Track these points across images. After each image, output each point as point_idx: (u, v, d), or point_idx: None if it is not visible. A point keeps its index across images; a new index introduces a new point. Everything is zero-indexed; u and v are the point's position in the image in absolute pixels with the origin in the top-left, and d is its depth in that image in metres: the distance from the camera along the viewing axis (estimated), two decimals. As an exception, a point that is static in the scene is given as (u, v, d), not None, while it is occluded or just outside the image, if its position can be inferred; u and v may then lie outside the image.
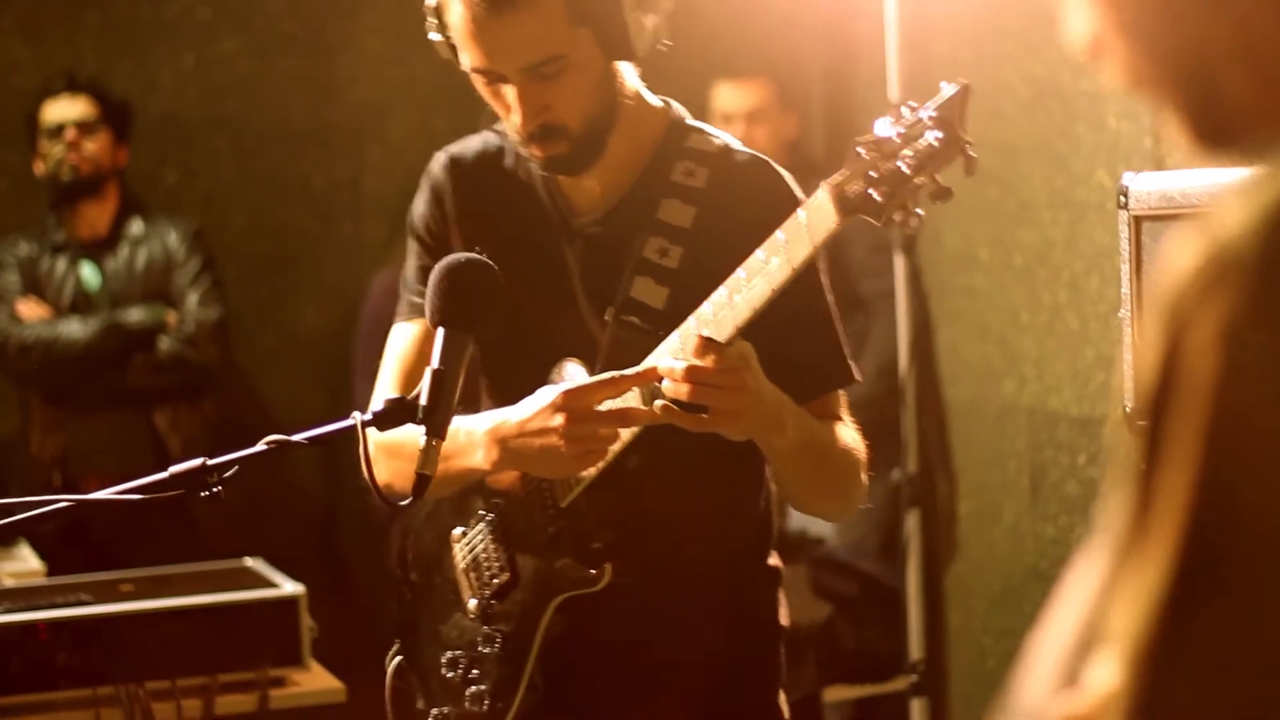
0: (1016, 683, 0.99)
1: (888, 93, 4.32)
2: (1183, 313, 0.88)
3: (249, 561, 3.82)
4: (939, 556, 4.71)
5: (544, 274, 2.36)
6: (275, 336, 5.43)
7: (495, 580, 2.43)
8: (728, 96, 4.92)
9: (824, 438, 2.31)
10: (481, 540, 2.45)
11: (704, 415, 2.13)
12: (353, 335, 5.13)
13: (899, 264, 4.47)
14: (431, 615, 2.51)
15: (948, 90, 2.02)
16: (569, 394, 2.19)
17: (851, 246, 4.80)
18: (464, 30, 2.25)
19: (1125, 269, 2.71)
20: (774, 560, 2.48)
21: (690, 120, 2.43)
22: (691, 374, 2.09)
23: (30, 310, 4.87)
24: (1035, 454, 4.33)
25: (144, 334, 4.84)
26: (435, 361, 2.09)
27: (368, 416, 2.09)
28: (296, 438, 2.10)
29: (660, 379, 2.14)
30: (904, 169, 2.01)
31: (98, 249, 4.94)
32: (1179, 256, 0.89)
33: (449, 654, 2.46)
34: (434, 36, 2.31)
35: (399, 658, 2.55)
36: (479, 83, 2.30)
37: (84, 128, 4.89)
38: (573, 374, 2.30)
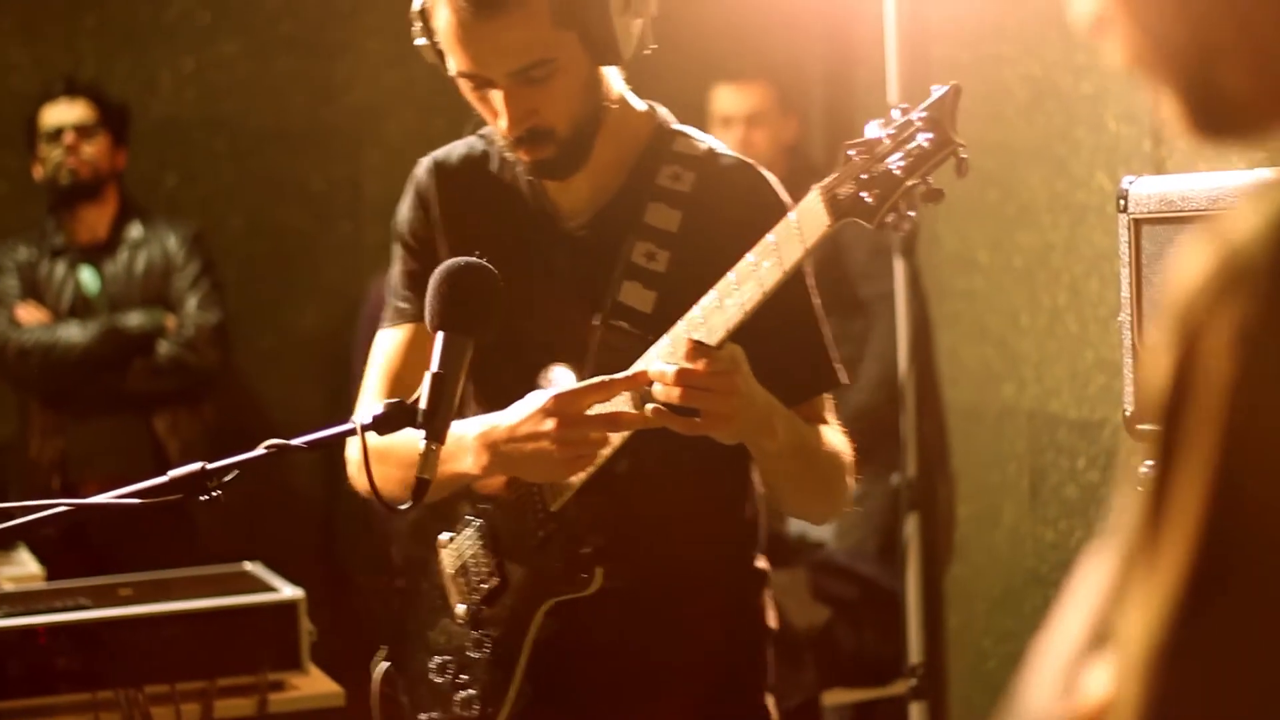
0: (1021, 686, 0.99)
1: (887, 96, 4.32)
2: (1195, 318, 0.88)
3: (248, 565, 3.82)
4: (938, 559, 4.71)
5: (531, 278, 2.36)
6: (274, 338, 5.43)
7: (484, 585, 2.43)
8: (727, 99, 4.92)
9: (812, 441, 2.31)
10: (470, 545, 2.45)
11: (695, 418, 2.13)
12: (352, 337, 5.13)
13: (898, 267, 4.47)
14: (419, 620, 2.51)
15: (938, 92, 2.03)
16: (559, 398, 2.19)
17: (852, 249, 4.80)
18: (451, 34, 2.25)
19: (1125, 272, 2.71)
20: (762, 563, 2.49)
21: (675, 124, 2.43)
22: (682, 377, 2.10)
23: (29, 314, 4.87)
24: (1035, 457, 4.32)
25: (143, 338, 4.84)
26: (435, 365, 2.09)
27: (368, 420, 2.08)
28: (296, 442, 2.10)
29: (651, 383, 2.15)
30: (895, 171, 2.02)
31: (97, 253, 4.94)
32: (1189, 262, 0.89)
33: (437, 659, 2.46)
34: (420, 41, 2.31)
35: (386, 663, 2.55)
36: (466, 87, 2.30)
37: (82, 131, 4.89)
38: (560, 378, 2.30)
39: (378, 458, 2.31)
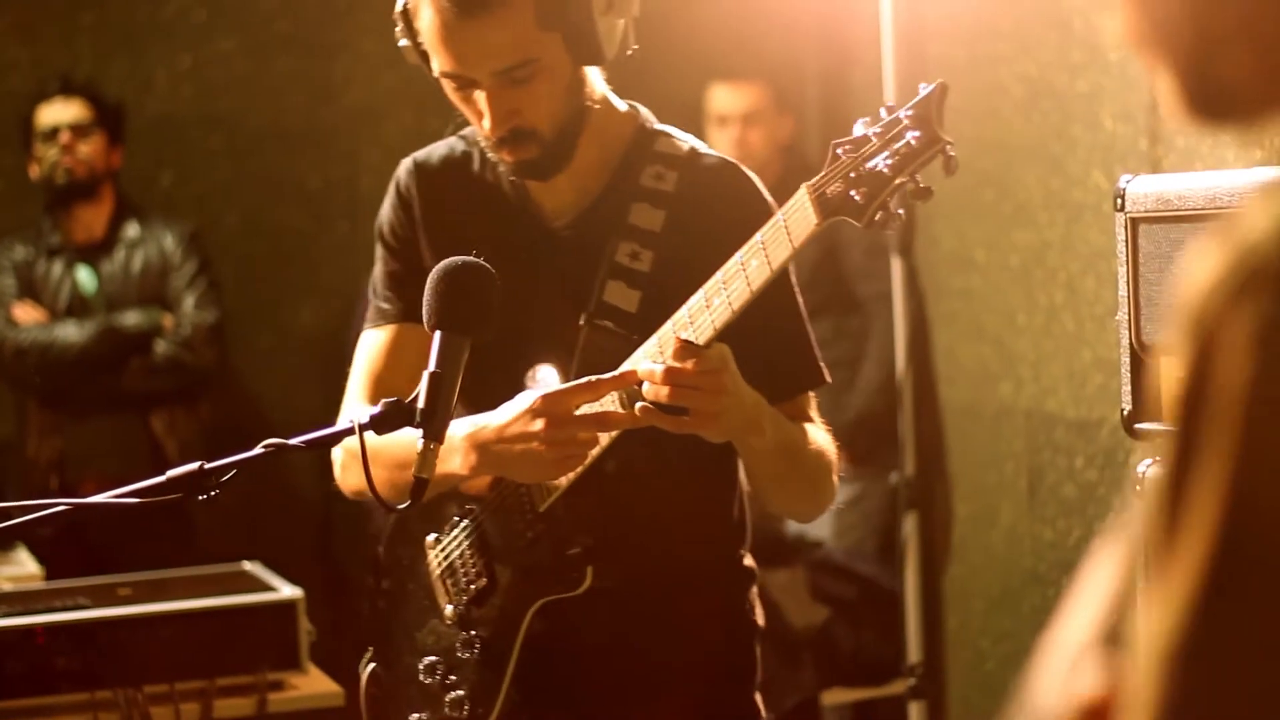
0: (1028, 681, 0.99)
1: (883, 95, 4.32)
2: (1211, 319, 0.88)
3: (247, 565, 3.82)
4: (937, 559, 4.71)
5: (515, 279, 2.36)
6: (271, 337, 5.43)
7: (472, 586, 2.43)
8: (723, 98, 4.93)
9: (798, 439, 2.32)
10: (457, 546, 2.45)
11: (684, 417, 2.14)
12: (349, 336, 5.13)
13: (895, 266, 4.47)
14: (406, 622, 2.51)
15: (925, 90, 2.04)
16: (548, 398, 2.19)
17: (849, 249, 4.80)
18: (435, 35, 2.25)
19: (1122, 271, 2.71)
20: (749, 560, 2.50)
21: (656, 124, 2.44)
22: (671, 376, 2.11)
23: (26, 314, 4.87)
24: (1032, 456, 4.33)
25: (140, 337, 4.84)
26: (432, 364, 2.09)
27: (365, 420, 2.09)
28: (294, 441, 2.10)
29: (639, 382, 2.15)
30: (884, 169, 2.03)
31: (93, 252, 4.94)
32: (1202, 262, 0.89)
33: (426, 660, 2.46)
34: (403, 43, 2.32)
35: (372, 665, 2.55)
36: (449, 87, 2.31)
37: (78, 130, 4.89)
38: (546, 378, 2.30)
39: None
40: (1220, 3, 0.95)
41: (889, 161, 2.02)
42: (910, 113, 2.03)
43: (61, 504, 2.07)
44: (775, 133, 4.94)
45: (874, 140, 2.04)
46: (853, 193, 2.04)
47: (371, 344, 2.48)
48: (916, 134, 2.01)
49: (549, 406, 2.18)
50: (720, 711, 2.46)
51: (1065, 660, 0.97)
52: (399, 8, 2.31)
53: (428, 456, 2.06)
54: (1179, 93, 0.98)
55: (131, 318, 4.85)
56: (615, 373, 2.19)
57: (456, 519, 2.46)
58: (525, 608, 2.38)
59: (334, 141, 5.46)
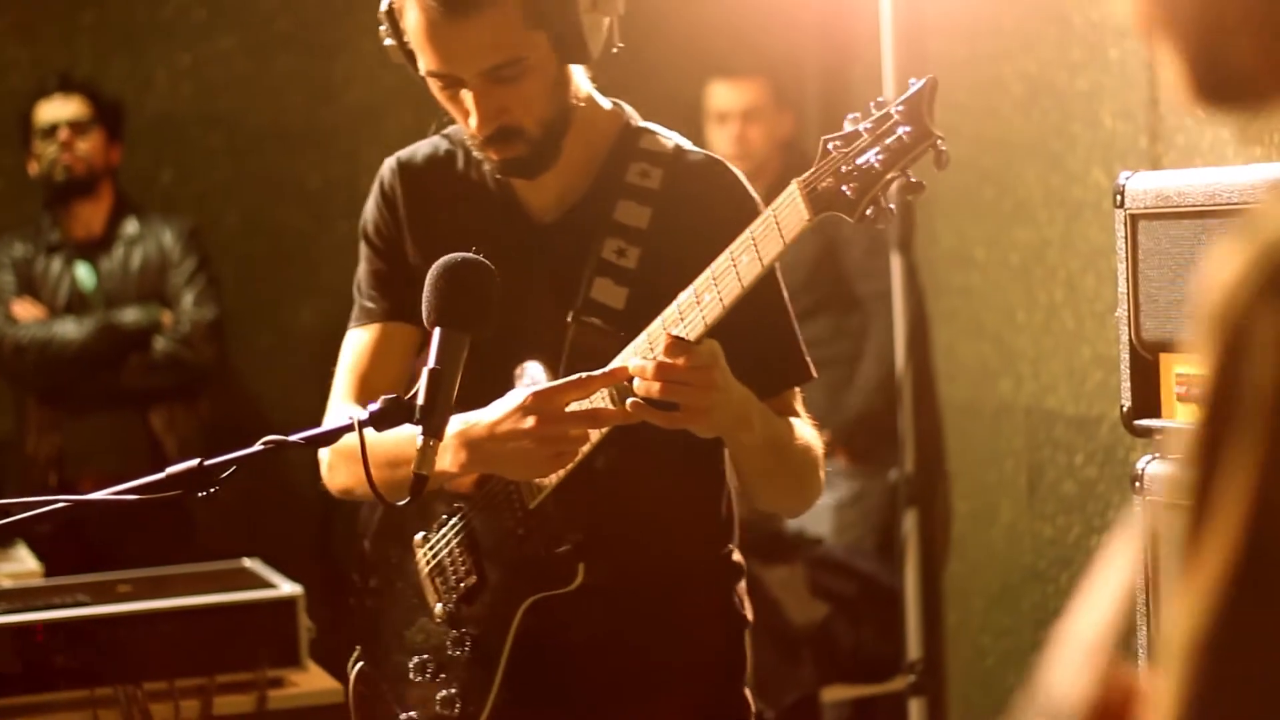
0: (1040, 673, 0.98)
1: (883, 91, 4.32)
2: (1237, 318, 0.87)
3: (247, 562, 3.82)
4: (937, 556, 4.71)
5: (502, 276, 2.37)
6: (271, 336, 5.43)
7: (462, 584, 2.43)
8: (723, 95, 4.92)
9: (786, 434, 2.33)
10: (446, 544, 2.45)
11: (675, 413, 2.15)
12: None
13: (895, 263, 4.47)
14: (395, 620, 2.51)
15: (916, 85, 2.04)
16: (539, 396, 2.19)
17: (848, 247, 4.81)
18: (421, 34, 2.25)
19: (1121, 268, 2.71)
20: (737, 556, 2.50)
21: (640, 121, 2.44)
22: (662, 371, 2.11)
23: (25, 311, 4.87)
24: (1032, 453, 4.33)
25: (139, 334, 4.84)
26: (432, 361, 2.09)
27: (365, 416, 2.08)
28: (294, 438, 2.10)
29: (629, 378, 2.16)
30: (875, 164, 2.03)
31: (92, 249, 4.94)
32: (1225, 262, 0.89)
33: (416, 659, 2.46)
34: (388, 42, 2.32)
35: (360, 663, 2.55)
36: (435, 87, 2.31)
37: (77, 127, 4.89)
38: (534, 375, 2.31)
39: (352, 458, 2.32)
40: None
41: (880, 156, 2.03)
42: (901, 108, 2.04)
43: (60, 501, 2.07)
44: (775, 129, 4.94)
45: (865, 135, 2.05)
46: (844, 188, 2.05)
47: (357, 343, 2.48)
48: (908, 129, 2.02)
49: (540, 403, 2.18)
50: (711, 706, 2.46)
51: (1077, 653, 0.97)
52: (384, 7, 2.31)
53: (427, 453, 2.06)
54: (1187, 77, 0.98)
55: (130, 314, 4.85)
56: (605, 369, 2.19)
57: (445, 517, 2.46)
58: (516, 605, 2.38)
59: (334, 141, 5.46)
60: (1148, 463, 2.70)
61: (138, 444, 4.82)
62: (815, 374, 2.44)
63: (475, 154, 2.37)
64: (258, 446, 2.06)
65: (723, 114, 4.90)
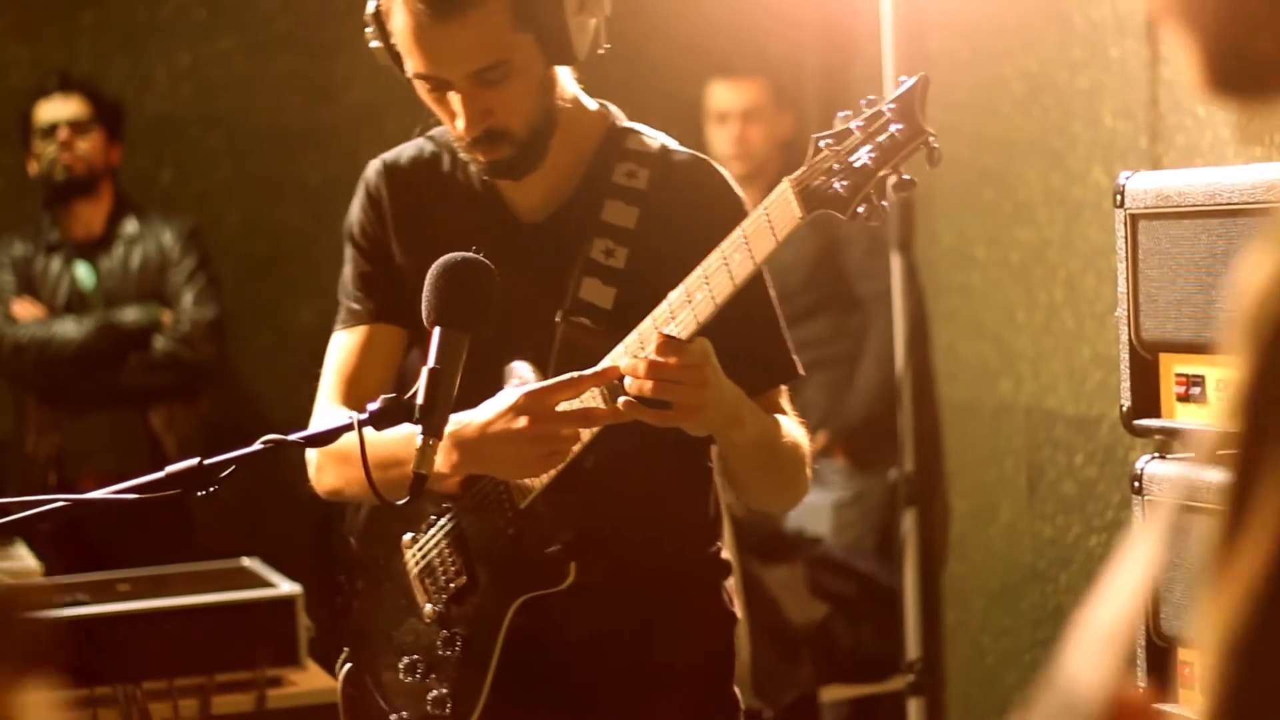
0: (1059, 660, 0.98)
1: (883, 90, 4.30)
2: (1273, 319, 0.87)
3: (246, 561, 3.82)
4: (936, 555, 4.71)
5: None
6: (271, 335, 5.43)
7: (452, 584, 2.42)
8: (723, 95, 4.92)
9: (774, 432, 2.34)
10: (435, 545, 2.45)
11: (667, 411, 2.15)
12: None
13: (895, 262, 4.47)
14: (383, 621, 2.50)
15: (907, 82, 2.04)
16: (530, 395, 2.19)
17: (849, 246, 4.80)
18: (408, 37, 2.26)
19: (1122, 267, 2.71)
20: (725, 554, 2.51)
21: (626, 122, 2.45)
22: (654, 370, 2.12)
23: (25, 310, 4.87)
24: (1032, 453, 4.33)
25: (139, 333, 4.84)
26: (431, 361, 2.09)
27: (364, 416, 2.08)
28: (293, 437, 2.10)
29: (621, 378, 2.16)
30: (867, 162, 2.03)
31: (92, 248, 4.94)
32: (1258, 263, 0.88)
33: (406, 659, 2.46)
34: (374, 44, 2.32)
35: (349, 665, 2.55)
36: (422, 89, 2.32)
37: (77, 127, 4.89)
38: (522, 374, 2.31)
39: (340, 459, 2.33)
40: None
41: (872, 154, 2.03)
42: (893, 105, 2.04)
43: (60, 500, 2.07)
44: (775, 129, 4.94)
45: (857, 133, 2.05)
46: (836, 185, 2.05)
47: (343, 345, 2.48)
48: (899, 126, 2.03)
49: (532, 403, 2.19)
50: (702, 704, 2.47)
51: (1095, 643, 0.96)
52: (371, 10, 2.31)
53: (427, 452, 2.06)
54: (1204, 65, 0.98)
55: (130, 314, 4.85)
56: (597, 368, 2.20)
57: (433, 518, 2.45)
58: (507, 604, 2.37)
59: (334, 141, 5.45)
60: (1147, 462, 2.70)
61: (137, 443, 4.82)
62: (802, 372, 2.45)
63: (462, 156, 2.37)
64: (257, 446, 2.06)
65: (723, 114, 4.90)
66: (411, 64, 2.28)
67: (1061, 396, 4.20)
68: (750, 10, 5.17)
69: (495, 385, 2.29)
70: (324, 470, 2.42)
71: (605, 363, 2.20)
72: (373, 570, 2.53)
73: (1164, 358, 2.69)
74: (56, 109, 4.89)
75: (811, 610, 4.59)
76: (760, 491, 2.44)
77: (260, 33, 5.42)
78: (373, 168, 2.50)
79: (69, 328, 4.81)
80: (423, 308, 2.14)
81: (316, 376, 2.49)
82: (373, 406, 2.09)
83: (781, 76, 5.05)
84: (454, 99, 2.27)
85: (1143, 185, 2.68)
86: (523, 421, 2.19)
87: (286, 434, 2.10)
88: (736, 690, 2.50)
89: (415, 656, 2.45)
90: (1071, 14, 4.05)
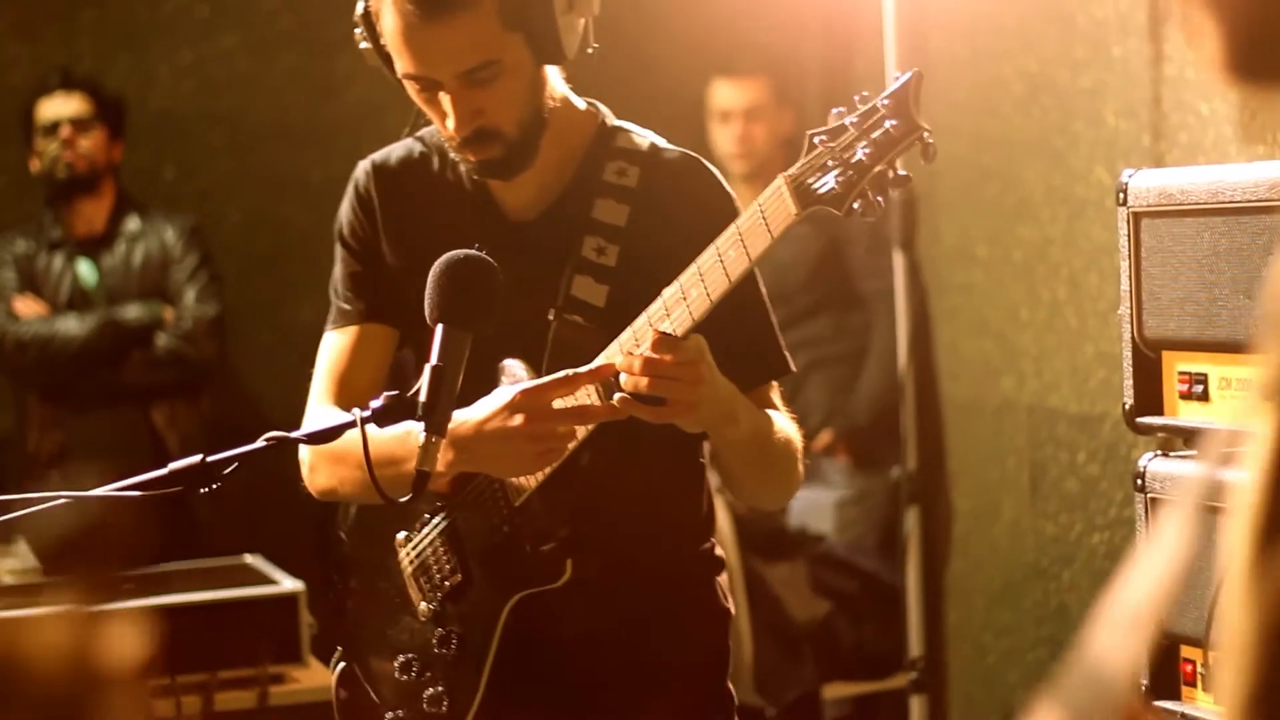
0: (1085, 641, 0.98)
1: (885, 89, 4.31)
2: None
3: (248, 558, 3.82)
4: (938, 553, 4.71)
5: None
6: (273, 333, 5.43)
7: (447, 583, 2.42)
8: (725, 93, 4.92)
9: (767, 428, 2.34)
10: (429, 543, 2.45)
11: (662, 408, 2.15)
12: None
13: (898, 261, 4.47)
14: (378, 620, 2.50)
15: (902, 78, 2.04)
16: (526, 393, 2.19)
17: (851, 245, 4.81)
18: (397, 38, 2.26)
19: (1124, 266, 2.71)
20: (719, 550, 2.51)
21: (615, 120, 2.45)
22: (649, 367, 2.12)
23: (27, 307, 4.87)
24: (1034, 451, 4.33)
25: (141, 330, 4.84)
26: (434, 358, 2.09)
27: (367, 414, 2.09)
28: (295, 434, 2.10)
29: (616, 375, 2.17)
30: (862, 158, 2.03)
31: (94, 246, 4.94)
32: None
33: (401, 658, 2.46)
34: (363, 45, 2.32)
35: (343, 664, 2.55)
36: (412, 89, 2.31)
37: (79, 125, 4.89)
38: (516, 372, 2.31)
39: (334, 459, 2.33)
40: None
41: (867, 150, 2.04)
42: (887, 101, 2.04)
43: (62, 497, 2.07)
44: (777, 128, 4.94)
45: (851, 129, 2.05)
46: (831, 181, 2.05)
47: (334, 345, 2.48)
48: (894, 122, 2.03)
49: (528, 401, 2.19)
50: (698, 699, 2.47)
51: (1122, 623, 0.96)
52: (360, 10, 2.31)
53: (430, 450, 2.07)
54: (1226, 49, 0.97)
55: (132, 311, 4.86)
56: (591, 366, 2.20)
57: (427, 516, 2.45)
58: (503, 602, 2.38)
59: (336, 138, 5.45)
60: (1150, 460, 2.70)
61: (139, 440, 4.82)
62: (794, 367, 2.46)
63: (452, 155, 2.37)
64: (259, 443, 2.07)
65: (725, 112, 4.90)
66: (401, 65, 2.28)
67: (1064, 394, 4.20)
68: (752, 9, 5.17)
69: (489, 383, 2.29)
70: (317, 470, 2.42)
71: (600, 360, 2.21)
72: (366, 569, 2.53)
73: (1167, 356, 2.69)
74: (58, 107, 4.90)
75: (814, 608, 4.59)
76: (753, 487, 2.45)
77: (262, 30, 5.42)
78: (362, 168, 2.51)
79: (71, 325, 4.82)
80: (425, 305, 2.14)
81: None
82: (376, 404, 2.09)
83: (783, 75, 5.05)
84: (444, 99, 2.27)
85: (1145, 183, 2.68)
86: (518, 419, 2.19)
87: (288, 431, 2.10)
88: (731, 686, 2.51)
89: (410, 655, 2.45)
90: (1073, 13, 4.05)
